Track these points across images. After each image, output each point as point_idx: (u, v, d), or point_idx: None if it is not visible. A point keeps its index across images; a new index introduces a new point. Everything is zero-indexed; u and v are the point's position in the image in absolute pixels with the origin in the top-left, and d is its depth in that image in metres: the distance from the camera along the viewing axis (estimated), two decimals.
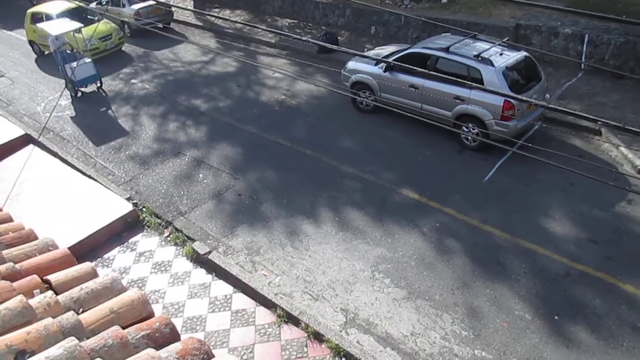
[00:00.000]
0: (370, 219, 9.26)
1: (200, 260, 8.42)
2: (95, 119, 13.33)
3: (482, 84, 10.01)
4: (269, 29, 7.83)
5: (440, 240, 8.70)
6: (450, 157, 10.88)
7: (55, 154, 11.44)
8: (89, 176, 10.56)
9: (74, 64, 13.90)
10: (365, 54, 11.54)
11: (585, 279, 7.80)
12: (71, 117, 13.53)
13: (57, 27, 14.08)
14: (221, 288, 7.88)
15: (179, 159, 11.37)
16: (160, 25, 18.89)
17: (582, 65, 13.71)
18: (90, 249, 8.52)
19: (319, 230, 9.08)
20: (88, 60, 14.54)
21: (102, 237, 8.80)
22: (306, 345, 6.88)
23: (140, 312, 3.40)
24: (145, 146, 11.95)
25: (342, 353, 6.69)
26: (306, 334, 7.00)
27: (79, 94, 14.59)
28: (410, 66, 5.95)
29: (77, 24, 14.23)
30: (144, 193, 10.33)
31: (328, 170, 10.65)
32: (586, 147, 10.93)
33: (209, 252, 8.45)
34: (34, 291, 3.27)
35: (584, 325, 7.12)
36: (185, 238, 8.98)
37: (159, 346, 3.14)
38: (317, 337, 6.94)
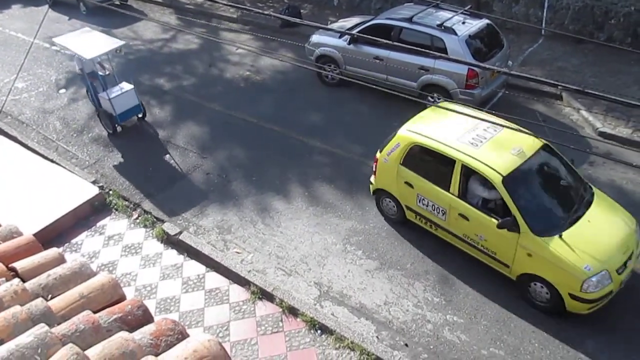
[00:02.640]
0: (340, 192, 9.30)
1: (171, 241, 8.36)
2: (55, 101, 12.94)
3: (446, 53, 10.04)
4: (231, 3, 7.67)
5: None
6: None
7: (14, 139, 11.11)
8: (52, 160, 10.31)
9: (112, 91, 10.89)
10: (329, 26, 11.44)
11: None
12: (29, 100, 13.10)
13: (90, 45, 10.47)
14: (193, 268, 7.86)
15: (144, 141, 11.16)
16: (118, 2, 18.33)
17: (543, 31, 13.87)
18: (56, 234, 8.37)
19: (289, 206, 9.09)
20: (129, 86, 11.20)
21: (69, 222, 8.65)
22: (281, 320, 6.94)
23: (112, 295, 3.37)
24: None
25: (317, 326, 6.78)
26: (281, 309, 7.06)
27: (119, 130, 11.42)
28: (374, 37, 5.93)
29: (117, 41, 10.75)
30: (110, 176, 10.14)
31: (296, 146, 10.62)
32: (548, 112, 11.13)
33: (180, 233, 8.39)
34: (0, 279, 3.20)
35: None
36: (155, 219, 8.89)
37: (132, 329, 3.12)
38: (292, 311, 7.01)
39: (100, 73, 11.18)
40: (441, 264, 7.78)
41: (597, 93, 3.50)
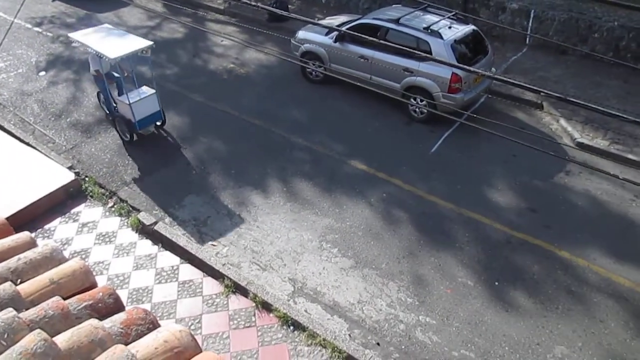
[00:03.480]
0: (318, 189, 9.30)
1: (146, 231, 8.26)
2: (34, 83, 12.70)
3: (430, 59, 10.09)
4: None
5: (387, 211, 8.84)
6: (398, 128, 11.00)
7: None
8: (28, 144, 10.10)
9: (132, 95, 9.97)
10: (317, 22, 11.43)
11: (524, 247, 8.13)
12: (7, 81, 12.83)
13: (114, 44, 9.48)
14: (168, 259, 7.78)
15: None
16: None
17: (528, 40, 14.04)
18: (29, 219, 8.21)
19: (267, 200, 9.05)
20: (151, 90, 10.24)
21: (43, 207, 8.49)
22: (254, 315, 6.91)
23: (83, 282, 3.32)
24: (88, 113, 11.50)
25: (289, 322, 6.76)
26: (254, 304, 7.02)
27: (135, 138, 10.47)
28: (362, 35, 5.92)
29: (142, 41, 9.74)
30: (87, 162, 9.98)
31: (277, 141, 10.58)
32: (528, 120, 11.27)
33: (155, 223, 8.29)
34: None
35: (522, 290, 7.45)
36: (131, 208, 8.77)
37: (102, 317, 3.08)
38: (265, 306, 6.98)
39: (116, 74, 10.32)
40: (416, 265, 7.82)
41: (577, 101, 3.55)
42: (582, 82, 12.24)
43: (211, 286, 7.33)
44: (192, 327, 6.71)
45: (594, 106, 3.53)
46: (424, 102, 10.75)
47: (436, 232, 8.42)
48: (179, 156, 10.13)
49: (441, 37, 10.31)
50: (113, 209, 8.74)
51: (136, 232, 8.25)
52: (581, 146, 10.33)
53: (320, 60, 12.15)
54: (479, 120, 8.25)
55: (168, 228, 8.26)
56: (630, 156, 9.87)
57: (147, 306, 6.97)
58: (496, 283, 7.56)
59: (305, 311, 7.07)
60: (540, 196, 9.16)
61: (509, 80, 3.82)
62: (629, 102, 11.20)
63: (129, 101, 9.78)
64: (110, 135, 10.72)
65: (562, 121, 10.99)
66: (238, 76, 13.11)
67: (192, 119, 11.24)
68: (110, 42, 9.60)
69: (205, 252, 7.86)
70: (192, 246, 7.90)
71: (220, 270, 7.44)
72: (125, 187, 9.33)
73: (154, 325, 3.08)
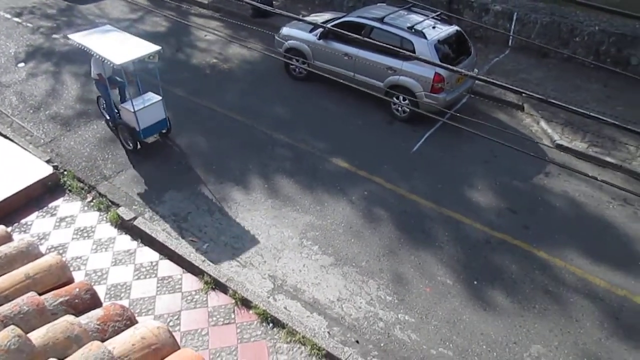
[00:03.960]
0: (300, 186, 9.28)
1: (125, 226, 8.16)
2: (12, 75, 12.47)
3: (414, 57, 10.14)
4: None
5: (368, 209, 8.86)
6: (381, 127, 11.03)
7: None
8: (5, 136, 9.92)
9: (137, 102, 9.47)
10: (302, 18, 11.40)
11: (503, 247, 8.21)
12: None
13: (119, 48, 8.98)
14: (147, 255, 7.69)
15: (103, 121, 10.86)
16: None
17: (510, 42, 14.16)
18: (5, 213, 8.05)
19: (248, 197, 9.02)
20: (157, 97, 9.82)
21: (19, 201, 8.33)
22: (233, 312, 6.88)
23: (59, 277, 3.27)
24: (68, 106, 11.34)
25: (269, 319, 6.74)
26: (234, 301, 6.98)
27: (139, 147, 9.95)
28: (346, 32, 5.91)
29: (150, 45, 9.15)
30: (66, 156, 9.84)
31: (259, 137, 10.54)
32: (509, 121, 11.38)
33: (135, 218, 8.20)
34: None
35: (500, 289, 7.52)
36: (110, 203, 8.66)
37: (79, 313, 3.04)
38: (245, 303, 6.95)
39: (119, 79, 9.91)
40: (396, 264, 7.86)
41: (557, 103, 3.59)
42: (562, 85, 12.39)
43: (190, 282, 7.27)
44: (171, 324, 6.65)
45: (573, 108, 3.58)
46: (406, 102, 10.79)
47: (416, 231, 8.46)
48: (160, 151, 10.03)
49: (425, 37, 10.35)
50: (92, 203, 8.62)
51: (115, 227, 8.15)
52: (560, 148, 10.46)
53: (304, 57, 12.13)
54: (461, 120, 8.32)
55: (148, 223, 8.18)
56: (608, 159, 10.02)
57: (125, 302, 6.89)
58: (475, 282, 7.63)
59: (285, 308, 7.06)
60: (520, 197, 9.26)
61: (491, 80, 3.84)
62: (608, 105, 11.36)
63: (133, 109, 9.28)
64: (90, 129, 10.58)
65: (543, 123, 11.12)
66: (221, 71, 13.02)
67: (174, 114, 11.12)
68: (114, 45, 9.11)
69: (185, 248, 7.80)
70: (171, 242, 7.83)
71: (200, 267, 7.38)
72: (105, 182, 9.21)
73: (131, 322, 3.04)
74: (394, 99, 10.86)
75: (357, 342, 6.74)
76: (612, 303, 7.38)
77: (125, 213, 8.26)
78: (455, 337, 6.86)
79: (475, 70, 11.75)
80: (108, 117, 10.51)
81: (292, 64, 12.25)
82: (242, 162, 9.81)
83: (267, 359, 6.32)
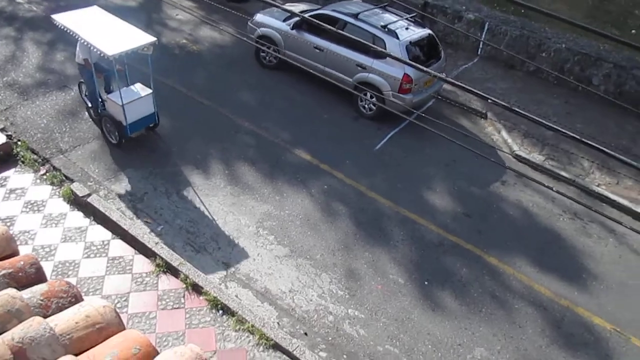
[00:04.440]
0: (260, 175, 9.23)
1: (78, 202, 7.95)
2: None
3: (385, 55, 10.21)
4: None
5: (326, 203, 8.88)
6: (346, 122, 11.06)
7: None
8: None
9: (126, 95, 8.87)
10: (277, 4, 11.28)
11: (456, 250, 8.37)
12: None
13: (110, 36, 8.32)
14: (99, 233, 7.52)
15: (64, 93, 10.53)
16: None
17: (479, 51, 14.39)
18: None
19: (207, 182, 8.91)
20: (146, 90, 9.20)
21: None
22: (184, 297, 6.80)
23: (4, 249, 3.16)
24: (27, 74, 10.93)
25: (219, 306, 6.69)
26: (184, 285, 6.90)
27: (123, 141, 9.27)
28: (320, 23, 5.88)
29: (144, 35, 8.54)
30: (21, 125, 9.49)
31: (223, 122, 10.42)
32: (472, 128, 11.58)
33: (89, 195, 7.99)
34: None
35: (450, 291, 7.67)
36: (64, 178, 8.42)
37: (22, 287, 2.94)
38: (196, 288, 6.88)
39: (106, 67, 9.24)
40: (350, 259, 7.91)
41: (521, 112, 3.67)
42: (525, 97, 12.66)
43: (142, 264, 7.14)
44: (119, 305, 6.52)
45: (535, 117, 3.66)
46: (373, 100, 10.85)
47: (373, 228, 8.53)
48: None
49: (397, 37, 10.42)
50: (45, 177, 8.36)
51: (67, 202, 7.94)
52: (519, 158, 10.72)
53: (276, 46, 12.03)
54: (426, 122, 8.41)
55: (102, 201, 7.99)
56: (562, 173, 10.33)
57: (72, 280, 6.72)
58: (426, 283, 7.75)
59: (236, 296, 7.01)
60: (476, 202, 9.44)
61: (459, 84, 3.90)
62: (568, 121, 11.69)
63: (121, 101, 8.65)
64: (49, 100, 10.24)
65: (504, 132, 11.37)
66: (190, 53, 12.80)
67: None
68: (105, 32, 8.39)
69: (139, 228, 7.66)
70: (125, 222, 7.66)
71: (153, 249, 7.26)
72: (60, 155, 8.93)
73: (76, 299, 2.96)
74: (362, 95, 10.90)
75: (306, 334, 6.76)
76: (554, 312, 7.62)
77: (79, 189, 8.05)
78: (403, 335, 6.96)
79: (444, 74, 11.91)
80: (90, 105, 9.79)
81: (263, 52, 12.14)
82: (203, 146, 9.68)
83: (214, 346, 6.27)
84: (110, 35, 8.38)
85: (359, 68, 10.85)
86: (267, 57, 12.34)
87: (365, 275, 7.71)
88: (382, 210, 8.94)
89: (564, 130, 3.75)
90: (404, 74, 10.33)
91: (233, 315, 6.61)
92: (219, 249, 7.73)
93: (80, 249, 7.22)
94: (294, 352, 6.26)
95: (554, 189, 6.45)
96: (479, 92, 3.79)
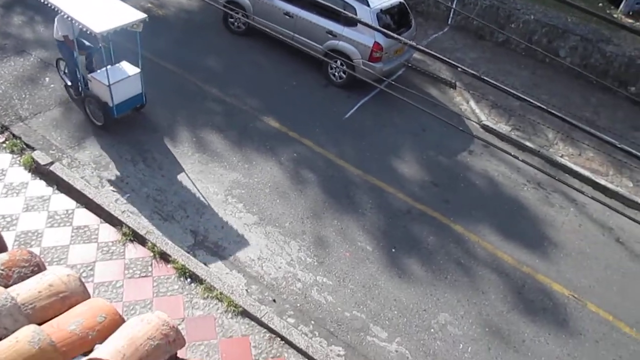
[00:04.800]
0: (229, 143, 9.13)
1: (40, 171, 7.74)
2: None
3: (356, 22, 10.11)
4: None
5: (295, 171, 8.87)
6: (316, 90, 10.98)
7: None
8: None
9: (113, 74, 8.33)
10: None
11: (423, 218, 8.49)
12: None
13: (97, 12, 7.74)
14: (62, 202, 7.36)
15: (22, 58, 10.12)
16: None
17: (450, 21, 14.37)
18: None
19: (175, 149, 8.77)
20: (134, 69, 8.70)
21: None
22: (151, 265, 6.75)
23: None
24: None
25: (187, 274, 6.67)
26: (152, 254, 6.85)
27: (109, 123, 8.76)
28: None
29: (135, 12, 7.98)
30: None
31: (190, 89, 10.22)
32: (441, 98, 11.63)
33: (51, 163, 7.79)
34: None
35: (416, 258, 7.80)
36: (24, 146, 8.16)
37: None
38: (163, 257, 6.83)
39: (87, 43, 8.70)
40: (319, 227, 7.95)
41: (490, 81, 3.69)
42: (494, 68, 12.76)
43: (108, 233, 7.04)
44: (84, 274, 6.44)
45: (503, 87, 3.69)
46: (343, 67, 10.78)
47: (342, 196, 8.58)
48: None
49: (368, 5, 10.31)
50: (4, 145, 8.10)
51: (29, 171, 7.72)
52: (486, 128, 10.86)
53: (244, 11, 11.77)
54: (396, 90, 8.41)
55: (65, 169, 7.80)
56: (527, 144, 10.51)
57: (36, 250, 6.59)
58: (393, 250, 7.87)
59: (205, 264, 7.00)
60: (443, 171, 9.56)
61: (430, 52, 3.89)
62: (535, 93, 11.80)
63: (108, 81, 8.15)
64: (7, 66, 9.85)
65: (472, 102, 11.46)
66: (155, 17, 12.40)
67: None
68: (90, 7, 7.80)
69: (104, 197, 7.52)
70: (90, 190, 7.51)
71: (119, 217, 7.16)
72: (20, 123, 8.64)
73: (39, 269, 2.90)
74: (332, 62, 10.81)
75: (274, 301, 6.82)
76: (516, 279, 7.85)
77: (40, 157, 7.84)
78: (370, 301, 7.08)
79: (414, 43, 11.87)
80: (69, 83, 9.27)
81: (231, 17, 11.88)
82: (170, 113, 9.50)
83: (182, 313, 6.27)
84: (96, 10, 7.79)
85: (329, 35, 10.73)
86: (236, 23, 12.08)
87: (333, 243, 7.78)
88: (351, 178, 8.98)
89: (530, 101, 3.80)
90: (375, 42, 10.26)
91: (201, 283, 6.60)
92: (187, 217, 7.67)
93: (43, 219, 7.07)
94: (262, 319, 6.31)
95: (519, 158, 6.54)
96: (449, 60, 3.79)
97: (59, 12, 7.80)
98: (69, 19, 7.66)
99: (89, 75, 8.62)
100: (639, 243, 8.89)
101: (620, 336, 7.34)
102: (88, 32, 7.56)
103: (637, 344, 7.28)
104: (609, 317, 7.55)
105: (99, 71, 8.54)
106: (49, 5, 7.87)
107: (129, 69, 8.72)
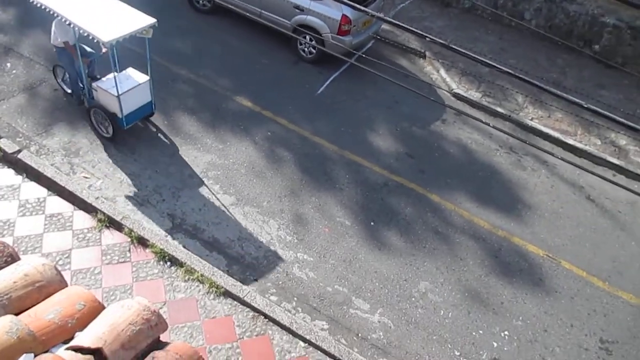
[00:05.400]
0: (202, 124, 9.02)
1: (8, 159, 7.56)
2: None
3: None
4: None
5: (271, 149, 8.82)
6: (286, 67, 10.88)
7: None
8: None
9: (121, 83, 7.80)
10: None
11: (400, 189, 8.55)
12: None
13: (102, 17, 7.16)
14: (33, 190, 7.21)
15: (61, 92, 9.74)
16: None
17: None
18: None
19: (146, 133, 8.63)
20: (143, 77, 8.21)
21: None
22: (129, 250, 6.69)
23: None
24: None
25: (167, 257, 6.63)
26: (129, 239, 6.77)
27: (117, 135, 8.25)
28: None
29: (143, 17, 7.46)
30: None
31: (159, 71, 9.96)
32: (412, 68, 11.63)
33: (19, 151, 7.60)
34: None
35: (395, 230, 7.88)
36: None
37: None
38: (141, 241, 6.77)
39: (88, 49, 8.12)
40: (297, 205, 7.95)
41: (459, 49, 3.69)
42: (462, 35, 12.78)
43: (82, 220, 6.94)
44: (60, 263, 6.36)
45: (471, 54, 3.70)
46: (313, 42, 10.68)
47: (318, 173, 8.57)
48: (48, 79, 9.25)
49: None
50: None
51: None
52: (457, 96, 10.92)
53: None
54: (366, 63, 8.37)
55: (34, 157, 7.63)
56: (499, 109, 10.61)
57: (8, 240, 6.46)
58: (372, 223, 7.92)
59: (184, 247, 6.96)
60: (418, 142, 9.61)
61: (398, 23, 3.87)
62: (502, 57, 11.91)
63: (117, 92, 7.60)
64: None
65: (442, 71, 11.49)
66: None
67: None
68: (92, 12, 7.18)
69: (77, 184, 7.39)
70: (61, 177, 7.37)
71: (93, 204, 7.05)
72: None
73: (13, 259, 2.85)
74: (301, 38, 10.69)
75: (256, 280, 6.83)
76: (492, 243, 7.99)
77: (7, 145, 7.64)
78: (351, 275, 7.14)
79: (382, 14, 11.80)
80: (70, 91, 8.71)
81: None
82: None
83: (163, 296, 6.25)
84: (100, 15, 7.19)
85: (297, 10, 10.59)
86: (201, 1, 11.83)
87: (312, 220, 7.80)
88: (326, 154, 8.97)
89: (498, 67, 3.82)
90: (342, 15, 10.17)
91: (181, 266, 6.58)
92: (163, 201, 7.60)
93: (14, 208, 6.93)
94: (245, 298, 6.33)
95: (490, 124, 6.61)
96: (417, 30, 3.78)
97: (58, 17, 7.24)
98: (71, 25, 7.10)
99: (94, 85, 7.96)
100: (609, 199, 9.12)
101: (594, 290, 7.57)
102: (95, 41, 7.01)
103: (610, 297, 7.51)
104: (583, 273, 7.77)
105: (104, 79, 7.99)
106: (47, 10, 7.27)
107: (137, 76, 8.17)
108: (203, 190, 7.89)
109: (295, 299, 6.74)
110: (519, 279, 7.53)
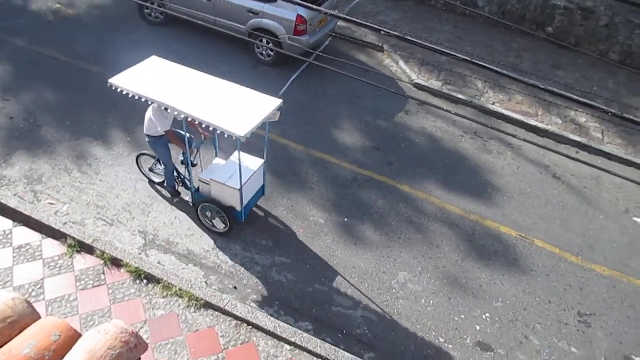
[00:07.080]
0: None
1: None
2: None
3: None
4: None
5: None
6: (246, 72, 10.83)
7: None
8: None
9: (232, 171, 7.01)
10: None
11: (370, 183, 8.60)
12: None
13: (219, 105, 6.26)
14: None
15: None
16: None
17: None
18: None
19: (109, 152, 8.49)
20: (258, 161, 7.36)
21: None
22: (103, 273, 6.57)
23: None
24: None
25: (142, 275, 6.54)
26: (102, 261, 6.66)
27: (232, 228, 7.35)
28: None
29: (268, 99, 6.66)
30: None
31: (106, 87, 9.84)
32: (371, 62, 11.72)
33: None
34: None
35: (369, 224, 7.92)
36: None
37: None
38: (115, 262, 6.66)
39: (189, 135, 7.06)
40: (268, 208, 7.93)
41: (415, 40, 3.74)
42: (417, 26, 12.94)
43: (52, 247, 6.79)
44: (34, 294, 6.20)
45: (428, 45, 3.74)
46: (270, 45, 10.65)
47: (287, 174, 8.56)
48: (2, 108, 9.01)
49: None
50: None
51: None
52: (418, 87, 11.04)
53: (160, 0, 11.40)
54: (325, 61, 8.40)
55: None
56: (459, 96, 10.77)
57: None
58: (345, 219, 7.95)
59: (159, 263, 6.87)
60: (383, 135, 9.68)
61: (353, 19, 3.89)
62: (458, 45, 12.10)
63: (240, 184, 6.76)
64: None
65: (401, 63, 11.60)
66: (67, 18, 11.87)
67: (14, 67, 10.02)
68: (202, 98, 6.34)
69: (42, 211, 7.22)
70: (25, 207, 7.19)
71: (61, 230, 6.90)
72: None
73: None
74: (258, 41, 10.65)
75: (235, 287, 6.79)
76: (466, 228, 8.10)
77: None
78: (330, 273, 7.15)
79: (336, 11, 11.85)
80: (162, 183, 7.96)
81: (146, 8, 11.48)
82: (99, 115, 9.16)
83: (143, 315, 6.16)
84: (215, 101, 6.32)
85: (251, 14, 10.55)
86: (153, 13, 11.70)
87: (285, 221, 7.78)
88: (294, 154, 8.96)
89: (456, 54, 3.87)
90: (297, 15, 10.17)
91: (158, 282, 6.49)
92: (133, 219, 7.48)
93: None
94: (226, 307, 6.29)
95: (452, 112, 6.70)
96: (372, 25, 3.80)
97: (178, 116, 6.33)
98: (189, 118, 6.16)
99: (206, 178, 7.06)
100: (574, 176, 9.34)
101: (568, 265, 7.74)
102: (233, 138, 6.07)
103: (584, 271, 7.70)
104: (555, 249, 7.94)
105: (211, 169, 7.24)
106: (147, 101, 6.53)
107: (251, 162, 7.32)
108: (173, 204, 7.79)
109: (276, 302, 6.71)
110: (494, 261, 7.66)
